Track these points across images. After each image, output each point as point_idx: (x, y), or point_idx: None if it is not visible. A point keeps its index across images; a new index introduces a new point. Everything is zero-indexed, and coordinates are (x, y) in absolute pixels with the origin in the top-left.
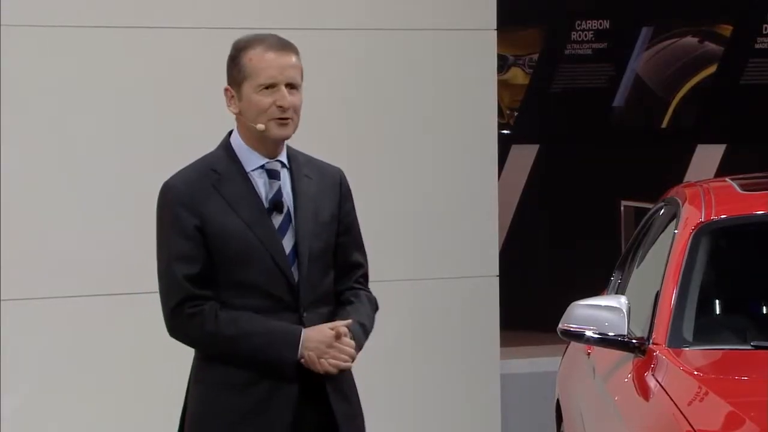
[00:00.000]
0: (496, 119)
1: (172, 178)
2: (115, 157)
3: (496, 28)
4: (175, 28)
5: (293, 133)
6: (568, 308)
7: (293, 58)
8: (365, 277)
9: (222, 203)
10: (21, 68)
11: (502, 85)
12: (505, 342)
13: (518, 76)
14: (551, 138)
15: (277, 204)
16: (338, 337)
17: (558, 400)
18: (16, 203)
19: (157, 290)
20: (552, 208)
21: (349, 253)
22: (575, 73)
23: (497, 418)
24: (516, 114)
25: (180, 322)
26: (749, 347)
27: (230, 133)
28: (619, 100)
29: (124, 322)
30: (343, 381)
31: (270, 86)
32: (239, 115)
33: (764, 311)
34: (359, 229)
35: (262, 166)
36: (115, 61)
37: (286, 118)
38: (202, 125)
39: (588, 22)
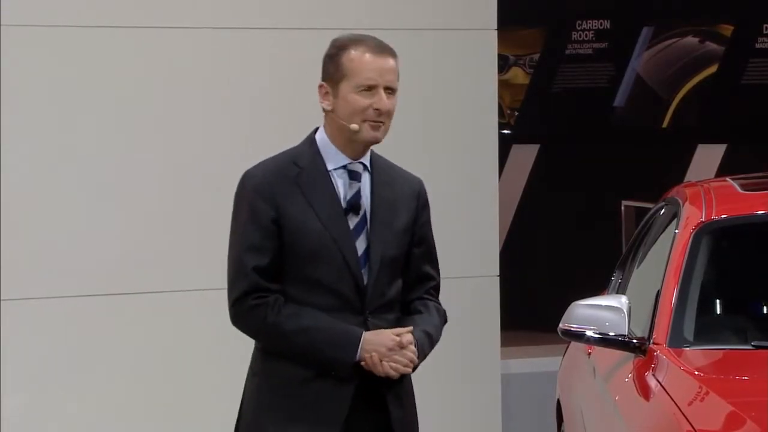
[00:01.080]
0: (497, 119)
1: (253, 167)
2: (115, 157)
3: (496, 27)
4: (175, 28)
5: (384, 137)
6: (569, 308)
7: (392, 61)
8: (436, 289)
9: (301, 198)
10: (21, 68)
11: (503, 85)
12: (505, 342)
13: (519, 75)
14: (552, 138)
15: (354, 205)
16: (402, 344)
17: (558, 400)
18: (16, 203)
19: (157, 290)
20: (552, 207)
21: (421, 265)
22: (576, 72)
23: (497, 418)
24: (516, 114)
25: (243, 311)
26: (750, 347)
27: (316, 129)
28: (619, 100)
29: (124, 322)
30: (401, 387)
31: (369, 88)
32: (331, 113)
33: (765, 311)
34: (434, 242)
35: (344, 166)
36: (115, 61)
37: (380, 122)
38: (202, 125)
39: (588, 21)
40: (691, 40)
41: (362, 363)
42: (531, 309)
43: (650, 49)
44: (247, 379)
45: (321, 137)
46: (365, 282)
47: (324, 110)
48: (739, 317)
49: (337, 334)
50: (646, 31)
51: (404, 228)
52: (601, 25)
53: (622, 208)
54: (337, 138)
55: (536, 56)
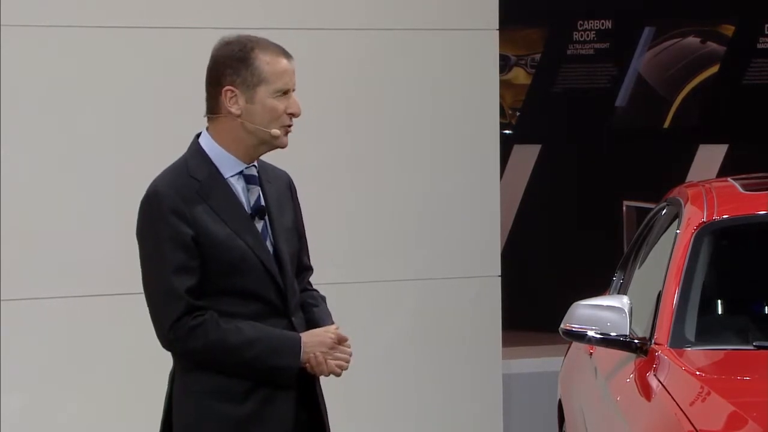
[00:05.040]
0: (498, 119)
1: (159, 186)
2: (115, 157)
3: (498, 28)
4: (175, 28)
5: None
6: (570, 308)
7: (294, 64)
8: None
9: (209, 211)
10: (21, 68)
11: (504, 85)
12: (507, 342)
13: (520, 76)
14: (553, 138)
15: (260, 210)
16: (341, 341)
17: (560, 400)
18: (16, 203)
19: None
20: (554, 208)
21: (302, 256)
22: (577, 73)
23: (499, 418)
24: (518, 114)
25: (183, 333)
26: (751, 347)
27: (198, 135)
28: (621, 100)
29: (124, 322)
30: (320, 388)
31: (285, 92)
32: (237, 118)
33: (766, 311)
34: (305, 232)
35: (240, 172)
36: (115, 61)
37: (291, 125)
38: (202, 125)
39: (590, 22)
40: (692, 40)
41: (306, 365)
42: (532, 309)
43: (652, 49)
44: (170, 398)
45: (209, 145)
46: (283, 284)
47: (227, 115)
48: (740, 317)
49: (279, 341)
50: (647, 31)
51: (292, 224)
52: (602, 25)
53: (624, 208)
54: (239, 143)
55: (538, 56)
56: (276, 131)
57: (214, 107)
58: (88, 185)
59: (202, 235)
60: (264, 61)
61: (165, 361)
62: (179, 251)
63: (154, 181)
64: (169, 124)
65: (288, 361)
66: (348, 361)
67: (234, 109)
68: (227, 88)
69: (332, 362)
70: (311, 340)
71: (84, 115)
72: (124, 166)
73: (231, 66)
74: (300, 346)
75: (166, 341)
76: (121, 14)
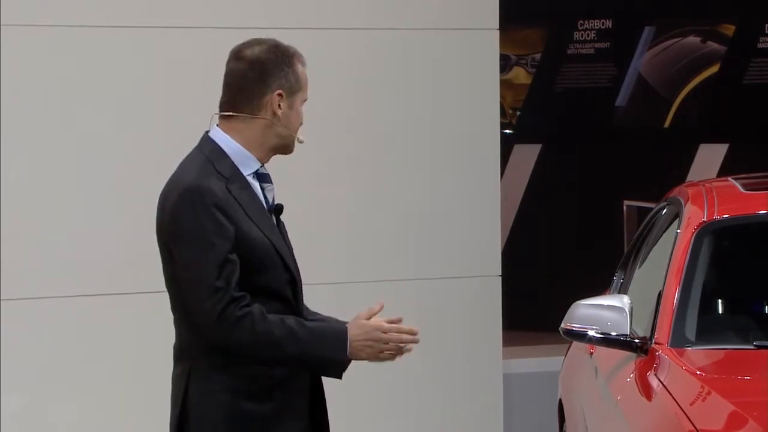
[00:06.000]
0: (499, 119)
1: (195, 180)
2: (115, 157)
3: (498, 27)
4: (175, 28)
5: None
6: (571, 308)
7: None
8: None
9: (240, 209)
10: (21, 68)
11: (505, 85)
12: (507, 342)
13: (521, 75)
14: (554, 137)
15: (278, 208)
16: (387, 331)
17: (560, 399)
18: (16, 203)
19: (157, 290)
20: (554, 207)
21: None
22: (578, 72)
23: (499, 418)
24: (518, 113)
25: (228, 325)
26: (752, 347)
27: (208, 132)
28: (621, 100)
29: (124, 322)
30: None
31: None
32: (273, 120)
33: (766, 311)
34: None
35: (255, 171)
36: (115, 61)
37: None
38: (202, 125)
39: (590, 21)
40: (692, 39)
41: (381, 356)
42: (533, 309)
43: (652, 49)
44: (184, 396)
45: (227, 143)
46: (298, 282)
47: (266, 116)
48: (740, 317)
49: (325, 333)
50: (647, 31)
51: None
52: (603, 24)
53: (624, 207)
54: (263, 145)
55: (538, 56)
56: (302, 138)
57: (254, 107)
58: (88, 185)
59: (239, 232)
60: (301, 70)
61: (165, 360)
62: (225, 244)
63: (182, 176)
64: (169, 123)
65: (334, 354)
66: (402, 342)
67: (279, 112)
68: (279, 91)
69: (386, 354)
70: (359, 333)
71: (84, 115)
72: (124, 166)
73: (281, 69)
74: (346, 339)
75: (211, 333)
76: (121, 14)
